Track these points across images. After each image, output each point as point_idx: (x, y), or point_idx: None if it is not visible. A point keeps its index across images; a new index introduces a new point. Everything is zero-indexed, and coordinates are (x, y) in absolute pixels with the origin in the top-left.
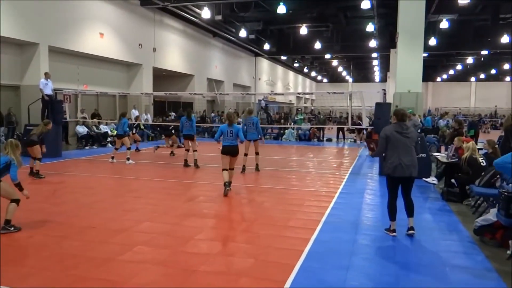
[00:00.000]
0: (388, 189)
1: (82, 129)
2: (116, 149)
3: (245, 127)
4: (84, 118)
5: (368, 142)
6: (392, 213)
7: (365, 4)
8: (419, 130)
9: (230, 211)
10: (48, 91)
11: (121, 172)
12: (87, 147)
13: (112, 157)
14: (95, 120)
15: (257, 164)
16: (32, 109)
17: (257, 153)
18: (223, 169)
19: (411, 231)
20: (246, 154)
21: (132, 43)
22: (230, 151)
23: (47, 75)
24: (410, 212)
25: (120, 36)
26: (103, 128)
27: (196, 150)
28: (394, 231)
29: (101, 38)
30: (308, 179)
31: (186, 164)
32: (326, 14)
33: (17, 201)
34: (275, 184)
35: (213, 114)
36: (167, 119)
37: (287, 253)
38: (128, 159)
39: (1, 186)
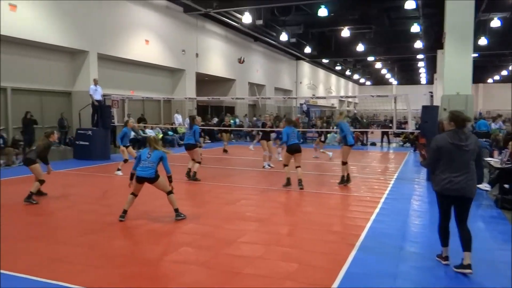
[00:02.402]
0: (439, 209)
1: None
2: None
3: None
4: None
5: (419, 148)
6: (444, 238)
7: (410, 4)
8: None
9: (273, 215)
10: (98, 96)
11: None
12: (133, 150)
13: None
14: (141, 124)
15: None
16: (83, 114)
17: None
18: (285, 165)
19: (467, 270)
20: (345, 163)
21: (175, 49)
22: (296, 149)
23: (96, 81)
24: (466, 245)
25: (164, 42)
26: (149, 132)
27: (199, 162)
28: (446, 258)
29: (146, 45)
30: (352, 184)
31: (188, 175)
32: (369, 15)
33: (172, 191)
34: (318, 188)
35: (254, 118)
36: (209, 123)
37: (331, 258)
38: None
39: (161, 180)
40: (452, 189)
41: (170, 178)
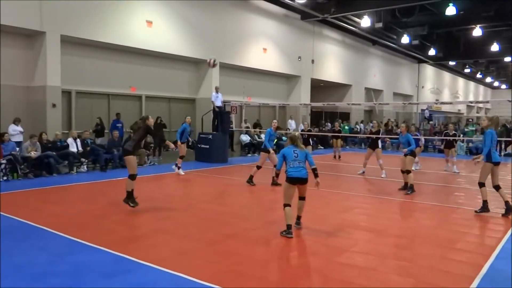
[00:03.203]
0: None
1: (245, 138)
2: None
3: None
4: (247, 127)
5: None
6: None
7: None
8: None
9: (388, 226)
10: (218, 103)
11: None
12: (249, 154)
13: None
14: (256, 129)
15: None
16: (205, 119)
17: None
18: (409, 171)
19: None
20: (483, 184)
21: (291, 56)
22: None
23: (217, 89)
24: None
25: (281, 50)
26: (263, 136)
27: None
28: None
29: (264, 53)
30: (480, 198)
31: None
32: (507, 11)
33: (305, 198)
34: (440, 201)
35: (371, 125)
36: (323, 128)
37: (454, 278)
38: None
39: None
40: None
41: (315, 170)
